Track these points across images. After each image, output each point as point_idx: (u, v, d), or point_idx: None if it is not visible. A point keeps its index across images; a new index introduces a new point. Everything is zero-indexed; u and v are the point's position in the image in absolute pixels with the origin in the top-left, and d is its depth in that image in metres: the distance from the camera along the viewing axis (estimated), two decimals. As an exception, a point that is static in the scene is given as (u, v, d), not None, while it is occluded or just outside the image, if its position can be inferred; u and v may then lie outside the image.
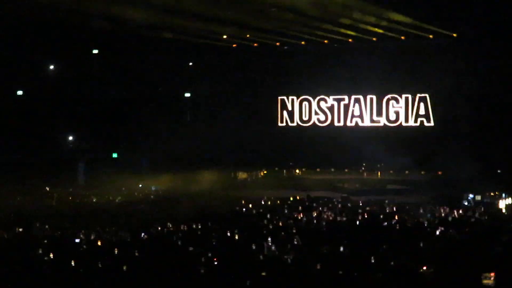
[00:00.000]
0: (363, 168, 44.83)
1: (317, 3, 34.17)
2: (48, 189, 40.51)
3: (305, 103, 46.38)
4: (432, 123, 42.41)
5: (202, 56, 46.77)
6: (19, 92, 41.02)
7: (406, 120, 43.45)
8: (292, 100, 46.72)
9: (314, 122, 46.11)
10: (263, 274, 16.93)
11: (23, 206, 35.96)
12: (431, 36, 40.26)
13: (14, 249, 22.14)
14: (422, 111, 42.94)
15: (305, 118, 46.39)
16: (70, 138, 43.64)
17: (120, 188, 41.34)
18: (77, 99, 42.25)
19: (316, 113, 46.06)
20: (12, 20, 35.52)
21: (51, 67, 42.32)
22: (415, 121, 43.17)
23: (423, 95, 42.75)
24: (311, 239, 23.20)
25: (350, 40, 42.05)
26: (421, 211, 32.96)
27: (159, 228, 27.74)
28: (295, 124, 46.69)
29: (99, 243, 23.62)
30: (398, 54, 41.57)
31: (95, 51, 42.81)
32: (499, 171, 38.57)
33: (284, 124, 46.95)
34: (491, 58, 38.33)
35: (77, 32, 38.51)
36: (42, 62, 41.25)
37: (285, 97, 46.83)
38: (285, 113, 46.92)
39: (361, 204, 37.26)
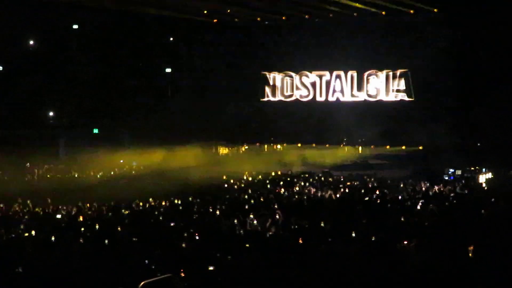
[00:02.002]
0: (344, 143, 44.91)
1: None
2: (28, 165, 40.35)
3: (287, 79, 46.24)
4: (412, 98, 42.41)
5: (183, 31, 46.45)
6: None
7: (387, 95, 43.40)
8: (274, 75, 46.57)
9: (296, 98, 45.98)
10: (247, 245, 17.00)
11: (4, 182, 35.86)
12: (412, 11, 40.24)
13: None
14: (402, 86, 42.91)
15: (287, 93, 46.27)
16: (51, 113, 43.37)
17: (101, 164, 41.22)
18: (58, 74, 41.94)
19: (298, 88, 45.95)
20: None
21: (31, 42, 41.96)
22: (396, 96, 43.14)
23: (403, 70, 42.71)
24: (293, 214, 23.31)
25: (331, 15, 41.91)
26: (402, 185, 33.20)
27: (141, 204, 27.78)
28: (277, 99, 46.55)
29: (80, 218, 23.64)
30: (379, 30, 41.48)
31: (75, 26, 42.44)
32: (478, 144, 38.79)
33: (266, 99, 46.79)
34: (471, 33, 38.35)
35: (57, 6, 38.20)
36: (22, 37, 40.87)
37: (267, 73, 46.65)
38: (267, 88, 46.77)
39: (342, 179, 37.46)
